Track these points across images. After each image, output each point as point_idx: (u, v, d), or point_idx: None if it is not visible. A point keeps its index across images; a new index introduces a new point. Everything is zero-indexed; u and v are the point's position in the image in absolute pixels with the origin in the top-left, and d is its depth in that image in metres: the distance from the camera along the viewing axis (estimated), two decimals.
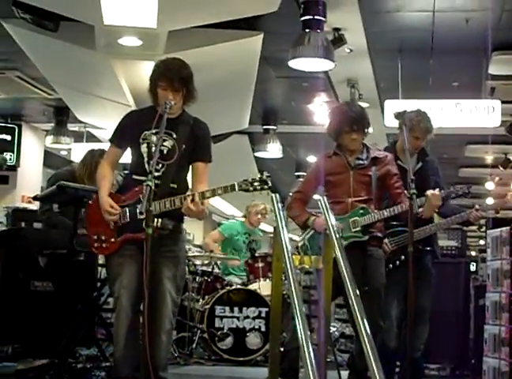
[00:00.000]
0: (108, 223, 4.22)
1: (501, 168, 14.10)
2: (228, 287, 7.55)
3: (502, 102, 9.09)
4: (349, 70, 9.49)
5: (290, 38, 7.40)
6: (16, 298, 5.97)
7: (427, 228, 5.16)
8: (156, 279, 4.04)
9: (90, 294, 6.00)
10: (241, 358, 7.15)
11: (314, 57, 7.34)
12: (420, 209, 4.64)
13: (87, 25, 7.18)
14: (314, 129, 11.21)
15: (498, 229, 5.85)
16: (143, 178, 4.02)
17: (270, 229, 6.08)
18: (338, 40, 8.02)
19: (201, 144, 4.33)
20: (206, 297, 7.63)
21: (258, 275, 7.68)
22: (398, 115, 5.08)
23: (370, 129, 5.03)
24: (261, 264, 7.73)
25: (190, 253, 8.78)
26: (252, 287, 7.53)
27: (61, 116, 12.25)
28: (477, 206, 5.26)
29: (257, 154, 12.79)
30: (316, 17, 7.17)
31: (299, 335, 3.28)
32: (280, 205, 4.28)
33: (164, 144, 4.19)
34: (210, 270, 7.98)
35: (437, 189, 4.76)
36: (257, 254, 7.85)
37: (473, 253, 14.52)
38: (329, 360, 4.77)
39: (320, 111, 10.90)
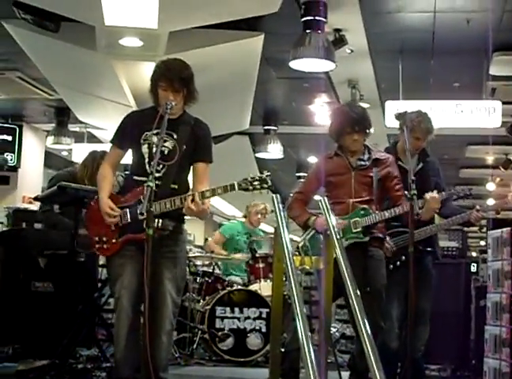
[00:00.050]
0: (109, 224, 4.22)
1: (502, 169, 14.10)
2: (229, 288, 7.55)
3: (503, 102, 9.10)
4: (350, 71, 9.49)
5: (291, 38, 7.40)
6: (16, 299, 5.98)
7: (427, 229, 5.16)
8: (156, 280, 4.04)
9: (90, 294, 6.00)
10: (242, 359, 7.15)
11: (314, 57, 7.34)
12: (419, 211, 4.64)
13: (88, 26, 7.19)
14: (315, 129, 11.21)
15: (499, 230, 5.85)
16: (144, 178, 4.02)
17: (271, 229, 6.08)
18: (339, 41, 8.02)
19: (201, 144, 4.33)
20: (207, 297, 7.63)
21: (259, 275, 7.68)
22: (399, 116, 5.08)
23: (372, 130, 5.03)
24: (261, 265, 7.73)
25: (190, 254, 8.77)
26: (253, 287, 7.53)
27: (62, 116, 12.26)
28: (478, 207, 5.25)
29: (257, 155, 12.79)
30: (317, 18, 7.17)
31: (300, 336, 3.28)
32: (280, 206, 4.28)
33: (165, 144, 4.19)
34: (211, 271, 7.98)
35: (435, 192, 4.76)
36: (257, 255, 7.85)
37: (474, 254, 14.53)
38: (329, 361, 4.76)
39: (321, 112, 10.90)
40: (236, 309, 7.28)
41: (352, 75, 9.76)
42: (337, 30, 8.02)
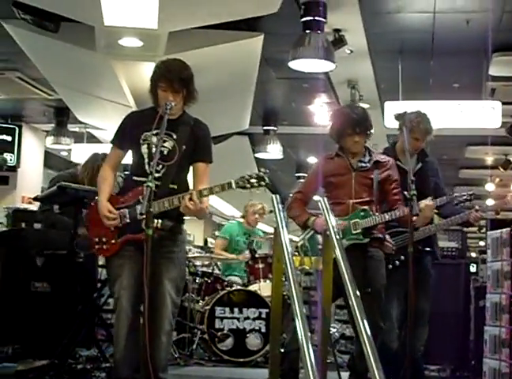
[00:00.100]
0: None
1: (501, 169, 14.09)
2: (228, 288, 7.56)
3: (503, 103, 9.10)
4: (350, 71, 9.49)
5: (290, 39, 7.40)
6: (16, 299, 5.98)
7: (426, 229, 5.16)
8: (156, 280, 4.03)
9: (90, 294, 6.00)
10: (241, 359, 7.15)
11: (314, 58, 7.34)
12: (414, 218, 4.66)
13: (87, 26, 7.18)
14: (315, 130, 11.21)
15: (499, 230, 5.85)
16: (143, 179, 4.02)
17: (270, 230, 6.08)
18: (339, 41, 8.02)
19: (201, 144, 4.33)
20: (206, 298, 7.63)
21: (259, 276, 7.68)
22: (398, 116, 5.09)
23: (372, 131, 5.03)
24: (261, 265, 7.73)
25: (190, 254, 8.78)
26: (252, 287, 7.53)
27: (61, 117, 12.26)
28: (477, 207, 5.26)
29: (257, 155, 12.79)
30: (316, 18, 7.17)
31: (300, 337, 3.28)
32: (280, 206, 4.27)
33: (165, 145, 4.19)
34: (210, 271, 7.98)
35: (429, 198, 4.76)
36: (257, 255, 7.85)
37: (473, 255, 14.53)
38: (329, 361, 4.76)
39: (320, 112, 10.90)
40: (236, 310, 7.28)
41: (352, 75, 9.76)
42: (337, 30, 8.02)
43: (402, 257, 5.04)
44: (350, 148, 4.92)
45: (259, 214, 8.57)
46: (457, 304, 7.17)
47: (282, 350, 4.74)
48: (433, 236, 5.34)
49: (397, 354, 4.92)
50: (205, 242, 19.55)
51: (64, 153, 14.03)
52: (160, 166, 4.15)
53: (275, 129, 12.42)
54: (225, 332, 7.22)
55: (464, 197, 5.15)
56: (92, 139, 12.66)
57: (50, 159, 14.32)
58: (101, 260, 6.40)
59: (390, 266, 5.03)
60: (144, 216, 3.79)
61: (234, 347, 7.19)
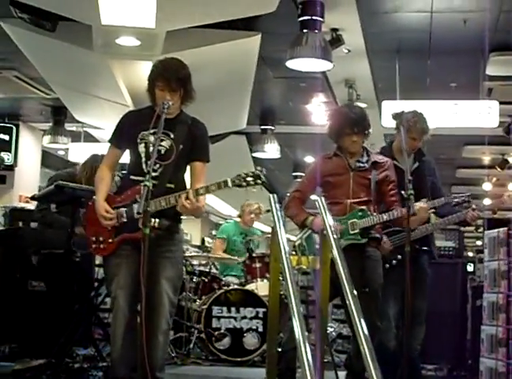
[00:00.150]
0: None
1: (498, 169, 14.12)
2: (226, 287, 7.56)
3: (500, 103, 9.11)
4: (347, 71, 9.50)
5: (288, 38, 7.40)
6: (13, 298, 5.97)
7: (423, 228, 5.17)
8: (153, 280, 4.03)
9: (87, 294, 6.00)
10: (238, 359, 7.15)
11: (311, 57, 7.34)
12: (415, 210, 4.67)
13: (85, 25, 7.18)
14: (312, 129, 11.20)
15: (496, 230, 5.85)
16: (140, 178, 4.02)
17: (268, 229, 6.08)
18: (336, 41, 8.02)
19: (198, 144, 4.33)
20: (203, 297, 7.63)
21: (256, 275, 7.68)
22: (396, 116, 5.09)
23: (370, 131, 5.02)
24: (258, 265, 7.72)
25: (187, 253, 8.77)
26: (249, 287, 7.53)
27: (58, 116, 12.25)
28: (474, 206, 5.27)
29: (254, 154, 12.79)
30: (314, 18, 7.17)
31: (297, 336, 3.28)
32: (277, 205, 4.27)
33: (162, 144, 4.19)
34: (207, 270, 7.98)
35: (423, 200, 4.76)
36: (254, 254, 7.85)
37: (470, 254, 14.54)
38: (326, 360, 4.77)
39: (318, 112, 10.90)
40: (233, 309, 7.28)
41: (349, 75, 9.77)
42: (334, 30, 8.02)
43: (399, 257, 5.04)
44: (348, 147, 4.92)
45: (255, 214, 8.57)
46: (454, 303, 7.18)
47: (279, 350, 4.74)
48: (430, 235, 5.35)
49: (395, 353, 4.93)
50: (203, 241, 19.54)
51: (61, 152, 14.03)
52: (157, 166, 4.15)
53: (272, 128, 12.42)
54: (222, 331, 7.21)
55: (463, 199, 5.15)
56: (90, 138, 12.65)
57: (48, 158, 14.31)
58: (98, 260, 6.40)
59: (387, 265, 5.03)
60: (141, 215, 3.80)
61: (231, 347, 7.19)
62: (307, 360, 3.15)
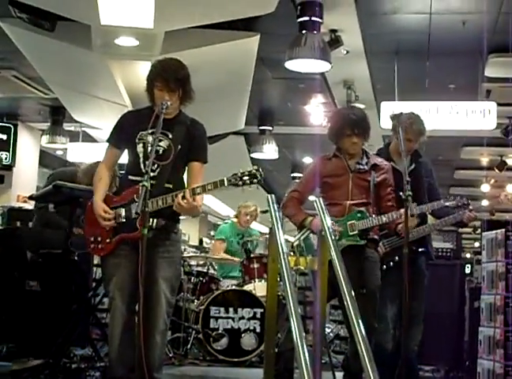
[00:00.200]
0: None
1: (496, 170, 14.11)
2: (223, 288, 7.56)
3: (498, 104, 9.11)
4: (346, 72, 9.49)
5: (286, 39, 7.40)
6: (11, 298, 5.97)
7: (420, 229, 5.17)
8: (150, 280, 4.03)
9: (84, 294, 6.00)
10: (236, 359, 7.15)
11: (310, 58, 7.34)
12: (400, 226, 4.68)
13: (84, 25, 7.17)
14: (310, 130, 11.21)
15: (494, 231, 5.86)
16: (139, 178, 4.03)
17: (266, 230, 6.09)
18: (335, 42, 8.02)
19: (196, 144, 4.33)
20: (201, 297, 7.62)
21: (253, 276, 7.67)
22: (394, 117, 5.10)
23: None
24: (256, 265, 7.72)
25: (185, 254, 8.77)
26: (247, 287, 7.53)
27: (57, 116, 12.24)
28: (470, 207, 5.27)
29: (253, 155, 12.79)
30: (313, 19, 7.17)
31: (294, 337, 3.28)
32: (275, 206, 4.27)
33: (160, 144, 4.19)
34: (205, 271, 7.97)
35: (414, 204, 4.75)
36: (252, 255, 7.85)
37: (468, 255, 14.57)
38: (323, 361, 4.77)
39: (316, 113, 10.90)
40: (230, 309, 7.27)
41: (348, 76, 9.77)
42: (333, 31, 8.01)
43: (396, 258, 5.05)
44: (348, 149, 4.92)
45: (251, 215, 8.56)
46: (452, 305, 7.18)
47: (277, 350, 4.74)
48: (427, 236, 5.35)
49: (392, 354, 4.93)
50: (201, 241, 19.55)
51: (59, 152, 14.02)
52: (156, 166, 4.15)
53: (271, 129, 12.41)
54: (220, 331, 7.21)
55: (461, 202, 5.15)
56: (88, 138, 12.64)
57: (46, 158, 14.30)
58: (96, 260, 6.40)
59: (384, 267, 5.03)
60: (139, 216, 3.80)
61: (228, 347, 7.19)
62: (305, 361, 3.15)
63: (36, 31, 7.58)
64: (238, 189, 4.06)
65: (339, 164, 4.93)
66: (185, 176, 4.38)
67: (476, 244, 18.56)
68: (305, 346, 3.22)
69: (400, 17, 7.92)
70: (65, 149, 13.01)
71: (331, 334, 8.41)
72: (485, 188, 15.88)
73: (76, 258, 6.04)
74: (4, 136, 12.98)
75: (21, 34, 7.87)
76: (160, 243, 4.19)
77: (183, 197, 4.01)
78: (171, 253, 4.26)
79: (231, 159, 11.68)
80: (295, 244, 4.90)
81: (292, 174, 15.82)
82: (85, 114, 10.80)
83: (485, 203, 5.58)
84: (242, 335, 7.22)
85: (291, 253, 4.97)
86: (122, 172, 4.52)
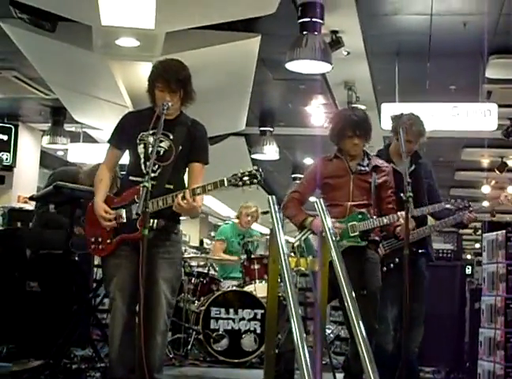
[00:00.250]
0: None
1: (497, 172, 14.12)
2: (224, 289, 7.56)
3: (499, 105, 9.11)
4: (346, 73, 9.49)
5: (287, 40, 7.40)
6: (11, 299, 5.97)
7: (420, 230, 5.17)
8: (151, 280, 4.03)
9: (85, 294, 5.99)
10: (236, 360, 7.15)
11: (311, 59, 7.34)
12: (398, 228, 4.68)
13: (84, 26, 7.18)
14: (311, 131, 11.21)
15: (494, 232, 5.86)
16: (139, 179, 4.03)
17: (266, 231, 6.09)
18: (336, 43, 8.02)
19: (197, 145, 4.33)
20: (202, 298, 7.62)
21: (254, 276, 7.67)
22: (395, 118, 5.09)
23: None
24: (256, 266, 7.72)
25: (186, 255, 8.77)
26: (248, 288, 7.53)
27: (57, 116, 12.24)
28: (471, 208, 5.27)
29: (253, 156, 12.78)
30: (314, 20, 7.17)
31: (295, 338, 3.28)
32: (276, 207, 4.27)
33: (161, 145, 4.19)
34: (206, 272, 7.97)
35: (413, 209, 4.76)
36: (252, 256, 7.85)
37: (469, 257, 14.56)
38: (324, 362, 4.76)
39: (317, 114, 10.90)
40: (231, 310, 7.28)
41: (349, 77, 9.76)
42: (334, 32, 8.01)
43: (397, 260, 5.05)
44: (349, 150, 4.91)
45: (252, 216, 8.55)
46: (453, 306, 7.18)
47: (277, 351, 4.74)
48: (427, 238, 5.35)
49: (392, 355, 4.93)
50: (201, 242, 19.53)
51: (60, 153, 14.03)
52: (156, 167, 4.15)
53: (271, 130, 12.41)
54: (220, 332, 7.21)
55: (463, 205, 5.15)
56: (89, 139, 12.64)
57: (46, 159, 14.30)
58: (97, 260, 6.40)
59: (385, 269, 5.03)
60: (140, 216, 3.80)
61: (229, 348, 7.19)
62: (305, 362, 3.15)
63: (37, 32, 7.58)
64: (238, 190, 4.06)
65: (340, 165, 4.92)
66: (185, 177, 4.38)
67: (477, 245, 18.54)
68: (305, 347, 3.22)
69: (401, 18, 7.93)
70: (66, 150, 13.01)
71: (331, 335, 8.40)
72: (486, 189, 15.88)
73: (76, 259, 6.04)
74: (5, 137, 12.98)
75: (22, 34, 7.87)
76: (161, 244, 4.19)
77: (183, 198, 4.01)
78: (171, 253, 4.26)
79: (232, 160, 11.68)
80: (295, 244, 4.89)
81: (293, 175, 15.83)
82: (86, 115, 10.80)
83: (486, 204, 5.57)
84: (243, 336, 7.22)
85: (292, 254, 4.97)
86: (123, 173, 4.52)
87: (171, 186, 4.20)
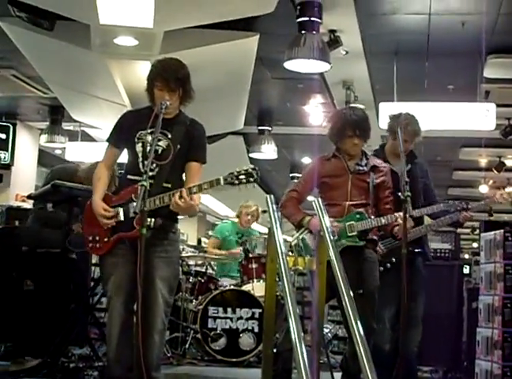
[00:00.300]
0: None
1: (495, 171, 14.12)
2: (222, 288, 7.56)
3: (497, 105, 9.10)
4: (345, 72, 9.49)
5: (286, 39, 7.40)
6: (9, 297, 5.96)
7: (416, 230, 5.17)
8: (148, 279, 4.03)
9: (83, 293, 5.99)
10: (234, 359, 7.15)
11: (309, 58, 7.34)
12: (396, 228, 4.68)
13: (83, 24, 7.17)
14: (309, 130, 11.21)
15: (492, 232, 5.87)
16: (137, 177, 4.03)
17: (265, 230, 6.09)
18: (334, 42, 8.01)
19: (195, 144, 4.33)
20: (199, 297, 7.63)
21: (252, 276, 7.68)
22: (393, 117, 5.09)
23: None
24: (254, 265, 7.73)
25: (183, 254, 8.77)
26: (245, 287, 7.53)
27: (56, 115, 12.24)
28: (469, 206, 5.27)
29: (251, 155, 12.78)
30: (312, 19, 7.17)
31: (293, 337, 3.28)
32: (274, 206, 4.27)
33: (159, 143, 4.18)
34: (204, 270, 7.97)
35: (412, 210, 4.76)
36: (250, 255, 7.85)
37: (467, 256, 14.57)
38: (322, 362, 4.77)
39: (315, 113, 10.91)
40: (229, 309, 7.28)
41: (347, 76, 9.76)
42: (332, 31, 8.01)
43: (394, 259, 5.05)
44: (348, 150, 4.91)
45: (252, 215, 8.55)
46: (450, 305, 7.19)
47: (275, 351, 4.74)
48: (423, 237, 5.36)
49: (390, 355, 4.94)
50: (199, 241, 19.55)
51: (58, 151, 14.01)
52: (154, 165, 4.15)
53: (269, 129, 12.40)
54: (218, 331, 7.22)
55: (461, 206, 5.16)
56: (87, 137, 12.64)
57: (44, 157, 14.29)
58: (94, 259, 6.39)
59: (381, 268, 5.03)
60: (137, 215, 3.79)
61: (227, 347, 7.19)
62: (303, 361, 3.14)
63: (35, 31, 7.57)
64: (236, 189, 4.05)
65: (338, 165, 4.92)
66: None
67: (475, 245, 18.57)
68: (303, 346, 3.21)
69: (399, 18, 7.92)
70: (64, 148, 13.00)
71: (329, 334, 8.41)
72: (483, 189, 15.89)
73: (74, 257, 6.04)
74: (3, 136, 12.97)
75: (20, 33, 7.86)
76: (158, 243, 4.18)
77: (180, 196, 4.01)
78: (169, 252, 4.25)
79: (230, 159, 11.65)
80: (293, 243, 4.90)
81: (291, 175, 15.82)
82: (84, 114, 10.80)
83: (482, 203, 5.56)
84: (241, 335, 7.23)
85: (290, 253, 4.98)
86: (122, 172, 4.52)
87: (169, 185, 4.19)
